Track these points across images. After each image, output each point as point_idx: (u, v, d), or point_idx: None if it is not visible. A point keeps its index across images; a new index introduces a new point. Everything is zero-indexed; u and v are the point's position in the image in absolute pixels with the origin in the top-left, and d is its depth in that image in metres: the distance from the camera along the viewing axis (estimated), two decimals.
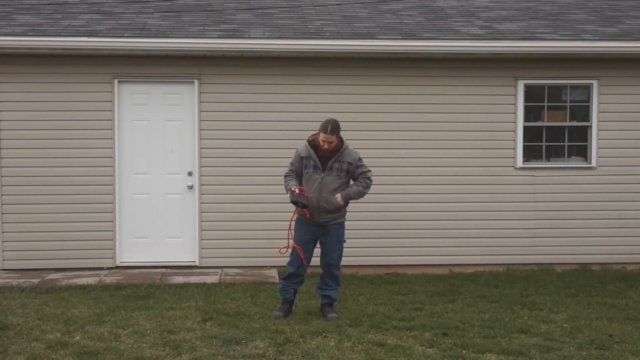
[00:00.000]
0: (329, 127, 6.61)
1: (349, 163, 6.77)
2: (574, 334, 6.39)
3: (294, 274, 6.88)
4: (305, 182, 6.76)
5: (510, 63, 9.52)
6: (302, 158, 6.78)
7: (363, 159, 6.93)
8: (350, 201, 6.93)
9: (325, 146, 6.65)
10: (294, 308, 7.13)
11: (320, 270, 7.08)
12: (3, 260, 9.16)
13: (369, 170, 6.92)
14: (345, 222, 9.20)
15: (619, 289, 8.37)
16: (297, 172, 6.83)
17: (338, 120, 9.24)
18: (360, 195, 6.90)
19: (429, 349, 5.92)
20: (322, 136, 6.65)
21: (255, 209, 9.17)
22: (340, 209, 6.83)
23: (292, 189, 6.63)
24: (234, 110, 9.34)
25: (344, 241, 6.96)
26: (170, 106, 9.39)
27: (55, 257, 9.18)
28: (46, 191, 9.15)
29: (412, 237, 9.51)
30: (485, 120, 9.56)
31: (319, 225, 6.80)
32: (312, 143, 6.77)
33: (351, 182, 6.93)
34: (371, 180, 6.94)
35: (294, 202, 6.60)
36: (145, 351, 5.80)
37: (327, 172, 6.71)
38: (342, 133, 9.19)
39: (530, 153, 9.72)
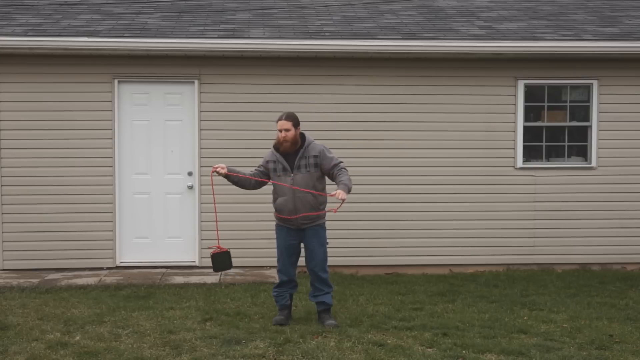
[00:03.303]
0: (284, 115, 6.57)
1: (315, 156, 6.55)
2: (574, 334, 6.39)
3: (286, 281, 6.75)
4: (279, 186, 6.57)
5: (510, 63, 9.53)
6: (268, 162, 6.63)
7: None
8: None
9: (282, 135, 6.49)
10: (293, 308, 7.12)
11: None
12: (3, 260, 9.16)
13: (342, 162, 6.59)
14: (345, 222, 9.29)
15: (619, 289, 8.37)
16: (262, 172, 6.68)
17: (339, 119, 9.37)
18: (351, 182, 6.47)
19: (429, 349, 5.92)
20: (278, 125, 6.54)
21: (255, 209, 9.16)
22: (318, 210, 6.60)
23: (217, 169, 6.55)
24: (234, 110, 9.34)
25: (327, 243, 6.76)
26: (170, 106, 9.39)
27: (55, 257, 9.19)
28: (46, 191, 9.16)
29: (412, 237, 9.51)
30: (485, 120, 9.56)
31: (298, 229, 6.64)
32: (276, 146, 6.65)
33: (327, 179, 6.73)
34: (347, 171, 6.57)
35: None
36: (145, 351, 5.80)
37: (296, 171, 6.53)
38: (343, 133, 9.31)
39: (530, 153, 9.72)
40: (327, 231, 6.85)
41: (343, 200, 6.27)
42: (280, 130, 6.54)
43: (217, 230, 7.09)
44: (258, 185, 6.79)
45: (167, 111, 9.39)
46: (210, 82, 9.32)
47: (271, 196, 6.83)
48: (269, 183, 6.71)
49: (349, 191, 6.37)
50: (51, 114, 9.16)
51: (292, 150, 6.57)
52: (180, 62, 9.25)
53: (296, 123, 6.58)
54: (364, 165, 9.42)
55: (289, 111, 6.75)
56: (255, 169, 6.75)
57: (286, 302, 6.78)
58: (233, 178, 6.65)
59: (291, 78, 9.37)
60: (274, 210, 6.78)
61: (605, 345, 6.07)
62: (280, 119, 6.58)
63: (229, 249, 6.79)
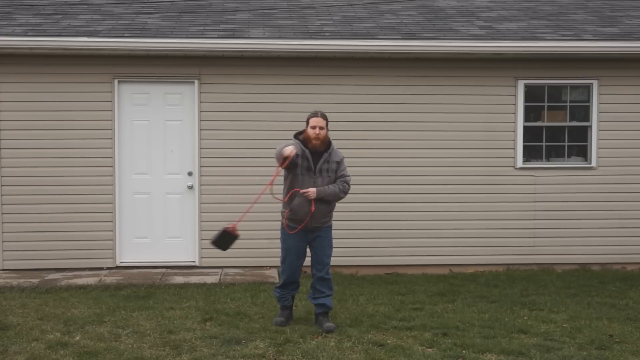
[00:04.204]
0: (318, 112, 6.49)
1: (337, 162, 6.49)
2: (574, 334, 6.39)
3: (289, 282, 6.66)
4: (299, 184, 6.42)
5: (510, 63, 9.53)
6: (297, 155, 6.33)
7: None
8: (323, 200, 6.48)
9: (317, 132, 6.35)
10: (294, 308, 7.12)
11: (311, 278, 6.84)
12: (3, 260, 9.16)
13: (349, 177, 6.57)
14: (345, 222, 9.29)
15: (619, 289, 8.37)
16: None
17: (339, 119, 9.36)
18: (335, 197, 6.48)
19: (429, 349, 5.92)
20: (312, 122, 6.39)
21: (255, 209, 9.15)
22: (329, 213, 6.57)
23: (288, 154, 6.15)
24: (234, 110, 9.34)
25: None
26: (170, 106, 9.39)
27: (55, 257, 9.18)
28: (46, 191, 9.16)
29: (412, 237, 9.51)
30: (485, 120, 9.56)
31: (310, 231, 6.55)
32: (304, 141, 6.45)
33: None
34: (349, 187, 6.55)
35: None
36: (145, 351, 5.81)
37: (318, 174, 6.43)
38: (343, 133, 9.31)
39: (530, 153, 9.72)
40: None
41: (309, 196, 6.35)
42: (314, 127, 6.39)
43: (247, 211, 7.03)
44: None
45: (167, 111, 9.39)
46: (210, 82, 9.32)
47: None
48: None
49: (320, 196, 6.39)
50: (51, 114, 9.16)
51: (319, 150, 6.45)
52: (180, 62, 9.25)
53: (328, 123, 6.51)
54: (364, 165, 9.42)
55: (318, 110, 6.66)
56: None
57: (288, 303, 6.75)
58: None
59: (291, 78, 9.37)
60: (283, 210, 6.60)
61: (605, 345, 6.08)
62: (315, 116, 6.44)
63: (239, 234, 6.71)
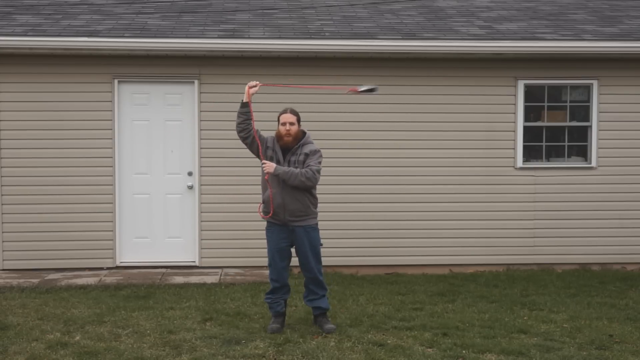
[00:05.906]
0: (288, 109, 6.47)
1: (306, 154, 6.39)
2: (574, 334, 6.39)
3: (279, 287, 6.55)
4: (269, 178, 6.34)
5: (510, 63, 9.53)
6: (267, 147, 6.44)
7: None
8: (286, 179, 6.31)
9: (287, 128, 6.33)
10: (293, 308, 7.12)
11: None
12: (3, 260, 9.16)
13: (317, 168, 6.33)
14: (346, 222, 9.29)
15: (619, 289, 8.38)
16: (260, 141, 6.44)
17: (339, 119, 9.37)
18: (295, 180, 6.23)
19: (429, 349, 5.92)
20: (282, 119, 6.39)
21: (255, 209, 9.14)
22: (304, 207, 6.40)
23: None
24: (234, 110, 9.23)
25: (321, 244, 6.57)
26: (170, 106, 9.39)
27: (55, 257, 9.19)
28: (46, 191, 9.16)
29: (412, 237, 9.51)
30: (485, 120, 9.56)
31: (289, 229, 6.43)
32: (277, 137, 6.48)
33: None
34: (314, 175, 6.28)
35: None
36: (145, 351, 5.81)
37: (286, 166, 6.36)
38: (343, 133, 9.32)
39: (530, 153, 9.72)
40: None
41: (264, 168, 6.29)
42: (285, 124, 6.38)
43: None
44: (250, 139, 6.46)
45: (167, 111, 9.39)
46: (210, 82, 9.32)
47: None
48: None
49: (277, 173, 6.26)
50: (51, 114, 9.16)
51: (291, 146, 6.44)
52: (180, 62, 9.26)
53: (299, 119, 6.49)
54: (364, 165, 9.43)
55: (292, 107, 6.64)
56: (259, 133, 6.50)
57: (281, 309, 6.61)
58: (247, 112, 6.43)
59: (291, 78, 9.37)
60: (260, 202, 6.58)
61: (605, 345, 6.08)
62: (284, 112, 6.44)
63: None
